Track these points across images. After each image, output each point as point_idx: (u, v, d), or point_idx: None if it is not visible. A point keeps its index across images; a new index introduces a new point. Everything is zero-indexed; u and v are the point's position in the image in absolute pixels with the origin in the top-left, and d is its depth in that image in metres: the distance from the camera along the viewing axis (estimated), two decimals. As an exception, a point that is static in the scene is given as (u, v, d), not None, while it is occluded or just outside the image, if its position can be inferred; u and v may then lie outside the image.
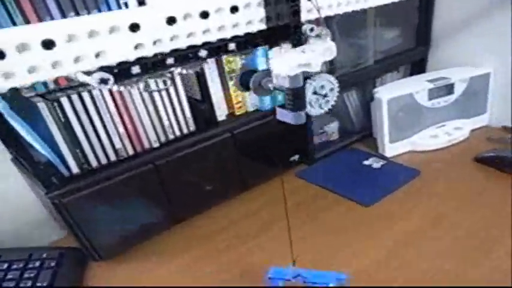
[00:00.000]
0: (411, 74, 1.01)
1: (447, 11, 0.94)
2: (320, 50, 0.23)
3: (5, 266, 0.62)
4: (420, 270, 0.57)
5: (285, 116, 0.24)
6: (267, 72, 0.27)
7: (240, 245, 0.67)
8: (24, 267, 0.62)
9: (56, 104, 0.53)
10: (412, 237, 0.63)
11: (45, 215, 0.77)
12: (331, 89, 0.24)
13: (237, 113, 0.75)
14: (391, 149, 0.87)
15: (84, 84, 0.56)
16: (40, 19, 0.51)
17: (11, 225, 0.73)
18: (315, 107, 0.24)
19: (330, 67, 0.73)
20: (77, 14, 0.53)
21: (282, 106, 0.24)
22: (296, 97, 0.23)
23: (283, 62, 0.22)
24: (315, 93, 0.23)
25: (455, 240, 0.62)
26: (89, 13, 0.53)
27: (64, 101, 0.53)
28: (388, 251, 0.61)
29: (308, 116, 0.26)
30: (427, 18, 0.96)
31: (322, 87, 0.23)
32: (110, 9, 0.56)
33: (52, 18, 0.52)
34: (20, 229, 0.74)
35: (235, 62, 0.68)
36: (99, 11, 0.55)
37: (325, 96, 0.24)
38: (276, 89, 0.25)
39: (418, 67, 1.00)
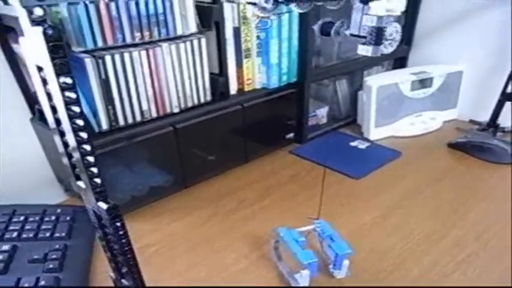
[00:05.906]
0: (393, 69, 1.13)
1: (428, 16, 1.06)
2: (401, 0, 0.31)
3: (22, 218, 0.65)
4: (409, 229, 0.66)
5: (365, 50, 0.33)
6: (343, 23, 0.36)
7: (243, 208, 0.73)
8: (41, 220, 0.65)
9: (100, 61, 0.57)
10: (399, 204, 0.73)
11: (51, 178, 0.79)
12: (397, 33, 0.32)
13: (246, 89, 0.82)
14: (375, 133, 0.97)
15: (126, 46, 0.61)
16: None
17: (22, 183, 0.75)
18: (386, 46, 0.32)
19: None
20: None
21: (363, 43, 0.33)
22: (378, 34, 0.31)
23: (378, 6, 0.30)
24: (390, 34, 0.32)
25: (435, 207, 0.72)
26: None
27: (107, 59, 0.58)
28: (380, 215, 0.70)
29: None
30: (412, 22, 1.08)
31: (396, 32, 0.31)
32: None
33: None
34: (29, 188, 0.76)
35: (251, 42, 0.76)
36: None
37: (393, 39, 0.32)
38: (352, 35, 0.34)
39: (399, 63, 1.12)
